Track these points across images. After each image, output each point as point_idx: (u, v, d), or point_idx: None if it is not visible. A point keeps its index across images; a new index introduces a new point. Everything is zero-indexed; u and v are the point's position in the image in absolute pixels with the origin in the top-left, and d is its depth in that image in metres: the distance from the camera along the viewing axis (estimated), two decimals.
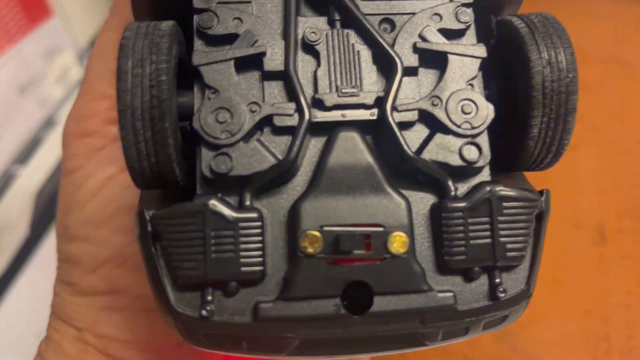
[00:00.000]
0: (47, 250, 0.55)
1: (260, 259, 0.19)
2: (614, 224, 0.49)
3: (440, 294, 0.19)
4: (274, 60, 0.21)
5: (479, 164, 0.20)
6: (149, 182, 0.20)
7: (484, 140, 0.20)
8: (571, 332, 0.43)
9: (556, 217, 0.49)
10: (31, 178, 0.61)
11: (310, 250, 0.19)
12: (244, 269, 0.19)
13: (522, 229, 0.20)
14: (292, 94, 0.20)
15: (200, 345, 0.20)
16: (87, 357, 0.28)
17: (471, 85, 0.21)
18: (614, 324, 0.43)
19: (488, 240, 0.20)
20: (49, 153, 0.63)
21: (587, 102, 0.56)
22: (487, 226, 0.20)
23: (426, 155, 0.20)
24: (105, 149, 0.29)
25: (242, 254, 0.19)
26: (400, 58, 0.21)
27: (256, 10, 0.21)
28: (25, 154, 0.62)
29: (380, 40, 0.21)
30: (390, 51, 0.21)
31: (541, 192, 0.21)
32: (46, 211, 0.58)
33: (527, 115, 0.20)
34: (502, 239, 0.20)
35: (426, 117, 0.21)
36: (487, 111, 0.20)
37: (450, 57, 0.21)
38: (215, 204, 0.19)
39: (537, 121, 0.20)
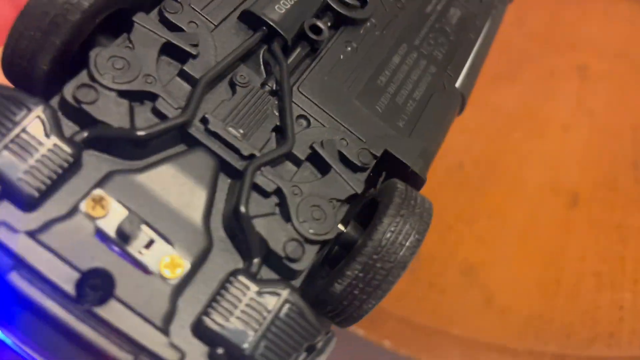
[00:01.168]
0: None
1: (42, 188, 0.18)
2: (588, 193, 0.55)
3: (170, 346, 0.18)
4: (196, 67, 0.22)
5: (294, 266, 0.20)
6: (15, 66, 0.21)
7: (311, 250, 0.21)
8: (527, 276, 0.50)
9: (537, 182, 0.56)
10: None
11: (91, 210, 0.18)
12: (20, 182, 0.18)
13: (291, 343, 0.19)
14: (190, 97, 0.21)
15: None
16: None
17: (333, 205, 0.22)
18: (566, 273, 0.50)
19: (252, 332, 0.19)
20: None
21: (588, 89, 0.63)
22: (261, 319, 0.19)
23: (257, 225, 0.20)
24: None
25: (33, 171, 0.18)
26: (293, 141, 0.22)
27: (215, 32, 0.23)
28: None
29: (289, 118, 0.23)
30: (289, 132, 0.22)
31: (327, 333, 0.20)
32: None
33: (345, 266, 0.20)
34: (265, 339, 0.19)
35: (279, 197, 0.21)
36: (331, 230, 0.21)
37: (332, 172, 0.22)
38: (46, 114, 0.18)
39: (347, 280, 0.20)
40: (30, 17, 0.20)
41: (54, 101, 0.20)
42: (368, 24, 0.28)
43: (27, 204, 0.18)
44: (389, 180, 0.23)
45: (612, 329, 0.47)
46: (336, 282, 0.20)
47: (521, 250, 0.52)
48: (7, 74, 0.21)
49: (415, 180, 0.25)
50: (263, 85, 0.23)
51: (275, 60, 0.24)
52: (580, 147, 0.59)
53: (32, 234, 0.17)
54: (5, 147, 0.18)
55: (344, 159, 0.23)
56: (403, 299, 0.47)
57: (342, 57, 0.26)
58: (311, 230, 0.21)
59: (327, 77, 0.25)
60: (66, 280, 0.17)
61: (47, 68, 0.21)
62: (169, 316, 0.18)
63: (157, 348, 0.18)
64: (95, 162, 0.19)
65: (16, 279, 0.17)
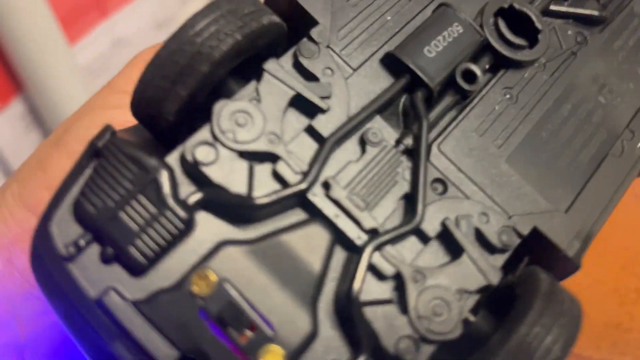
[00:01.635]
0: None
1: (152, 255, 0.17)
2: None
3: None
4: (325, 124, 0.20)
5: None
6: (143, 111, 0.20)
7: (426, 351, 0.18)
8: (604, 281, 0.48)
9: None
10: None
11: (195, 287, 0.17)
12: (132, 250, 0.17)
13: None
14: (314, 160, 0.19)
15: (34, 270, 0.18)
16: None
17: (460, 296, 0.19)
18: None
19: None
20: None
21: None
22: None
23: (369, 313, 0.18)
24: None
25: (145, 237, 0.17)
26: (422, 217, 0.19)
27: (352, 78, 0.21)
28: None
29: (421, 190, 0.20)
30: (420, 206, 0.19)
31: None
32: None
33: None
34: None
35: (397, 282, 0.19)
36: (454, 329, 0.18)
37: (464, 256, 0.19)
38: (164, 176, 0.18)
39: None
40: (160, 65, 0.19)
41: (174, 157, 0.18)
42: (536, 63, 0.23)
43: (137, 270, 0.17)
44: (531, 267, 0.20)
45: None
46: None
47: (596, 254, 0.50)
48: (135, 116, 0.21)
49: (566, 267, 0.21)
50: (398, 142, 0.20)
51: (415, 113, 0.21)
52: None
53: (138, 305, 0.17)
54: (122, 210, 0.17)
55: (480, 238, 0.20)
56: None
57: (497, 107, 0.22)
58: (430, 328, 0.18)
59: (476, 133, 0.22)
60: (165, 357, 0.17)
61: (173, 119, 0.20)
62: None
63: None
64: (206, 228, 0.18)
65: (119, 348, 0.17)
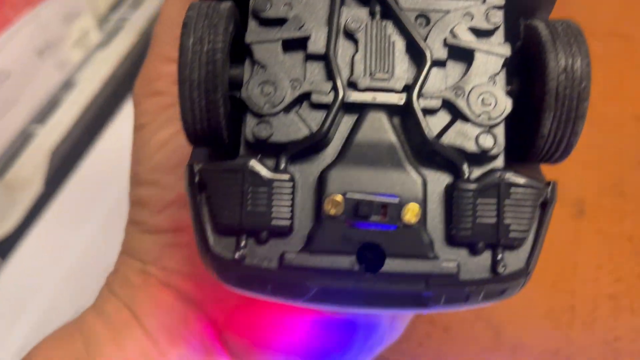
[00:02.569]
0: (60, 206, 0.59)
1: (288, 215, 0.22)
2: (594, 199, 0.50)
3: (445, 263, 0.22)
4: (316, 44, 0.23)
5: (492, 152, 0.22)
6: (200, 141, 0.24)
7: (499, 131, 0.22)
8: (536, 302, 0.45)
9: None
10: (48, 137, 0.64)
11: (332, 212, 0.22)
12: (274, 222, 0.22)
13: (526, 214, 0.22)
14: (330, 75, 0.23)
15: (231, 284, 0.23)
16: (149, 287, 0.32)
17: (493, 80, 0.23)
18: (579, 297, 0.45)
19: (493, 220, 0.22)
20: (67, 113, 0.66)
21: None
22: (494, 208, 0.22)
23: (445, 139, 0.22)
24: (173, 106, 0.33)
25: (274, 208, 0.22)
26: (430, 51, 0.23)
27: None
28: (43, 114, 0.65)
29: (414, 33, 0.23)
30: (422, 44, 0.23)
31: (548, 183, 0.23)
32: (61, 169, 0.62)
33: (539, 116, 0.22)
34: (506, 221, 0.22)
35: (449, 106, 0.23)
36: (505, 105, 0.22)
37: (476, 54, 0.23)
38: (254, 164, 0.22)
39: (547, 122, 0.22)
40: (189, 88, 0.23)
41: (244, 150, 0.23)
42: None
43: (286, 232, 0.22)
44: (526, 24, 0.24)
45: None
46: (541, 126, 0.22)
47: None
48: (196, 143, 0.24)
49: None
50: (371, 14, 0.24)
51: None
52: (580, 145, 0.53)
53: (305, 250, 0.22)
54: (248, 205, 0.22)
55: (478, 32, 0.23)
56: (403, 343, 0.41)
57: None
58: (492, 116, 0.22)
59: None
60: (348, 264, 0.22)
61: (225, 124, 0.23)
62: (430, 246, 0.22)
63: (438, 270, 0.22)
64: (305, 171, 0.23)
65: (320, 282, 0.22)
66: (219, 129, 0.23)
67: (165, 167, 0.32)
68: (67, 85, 0.68)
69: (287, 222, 0.22)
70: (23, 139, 0.63)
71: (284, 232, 0.22)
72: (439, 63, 0.23)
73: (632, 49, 0.60)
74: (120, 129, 0.67)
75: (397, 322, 0.35)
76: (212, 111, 0.23)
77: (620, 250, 0.47)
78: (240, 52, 0.24)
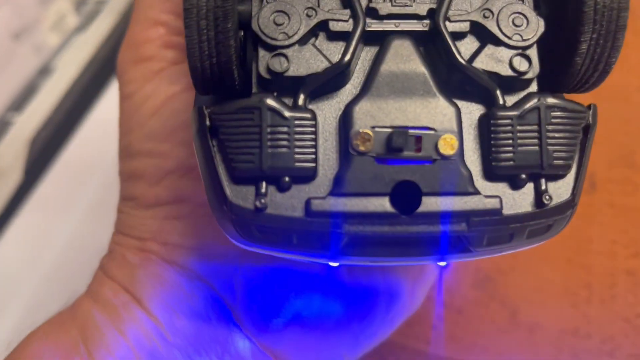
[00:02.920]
0: (41, 195, 0.56)
1: (312, 156, 0.20)
2: (604, 172, 0.48)
3: (486, 198, 0.20)
4: None
5: (528, 76, 0.21)
6: (208, 84, 0.21)
7: (533, 53, 0.21)
8: (551, 280, 0.42)
9: None
10: (26, 125, 0.61)
11: (362, 148, 0.20)
12: (297, 164, 0.20)
13: (569, 139, 0.20)
14: (347, 1, 0.21)
15: (252, 240, 0.21)
16: (149, 264, 0.28)
17: (522, 0, 0.21)
18: (596, 273, 0.43)
19: (535, 148, 0.20)
20: (45, 100, 0.63)
21: None
22: (535, 134, 0.20)
23: (477, 64, 0.21)
24: (164, 70, 0.30)
25: (296, 150, 0.20)
26: None
27: None
28: (20, 101, 0.62)
29: None
30: None
31: (589, 107, 0.21)
32: (40, 157, 0.59)
33: (577, 30, 0.21)
34: (549, 147, 0.20)
35: (477, 29, 0.21)
36: (537, 24, 0.21)
37: None
38: (271, 100, 0.20)
39: (586, 37, 0.21)
40: (195, 30, 0.20)
41: (256, 89, 0.21)
42: None
43: (311, 176, 0.20)
44: None
45: None
46: (579, 43, 0.21)
47: (539, 248, 0.44)
48: (205, 91, 0.22)
49: None
50: None
51: None
52: None
53: (334, 194, 0.20)
54: (267, 147, 0.20)
55: None
56: (415, 327, 0.39)
57: None
58: (524, 37, 0.21)
59: None
60: (382, 206, 0.20)
61: (236, 63, 0.21)
62: (470, 180, 0.20)
63: (479, 206, 0.20)
64: (328, 107, 0.21)
65: (352, 228, 0.20)
66: (229, 67, 0.21)
67: (160, 135, 0.29)
68: (45, 71, 0.65)
69: (311, 165, 0.20)
70: (0, 128, 0.60)
71: (309, 176, 0.20)
72: None
73: (638, 20, 0.58)
74: (102, 115, 0.64)
75: (418, 289, 0.32)
76: (222, 44, 0.20)
77: (635, 223, 0.45)
78: None
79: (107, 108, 0.63)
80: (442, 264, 0.28)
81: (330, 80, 0.21)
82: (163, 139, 0.29)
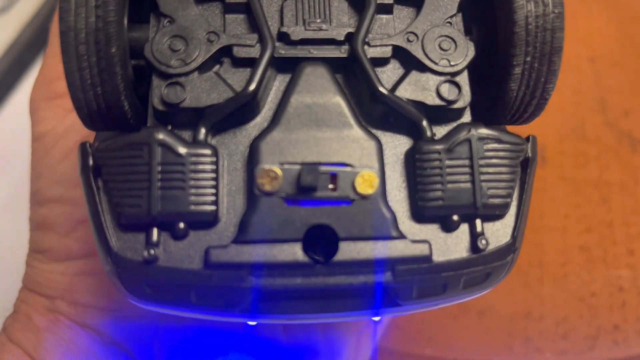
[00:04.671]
0: None
1: (212, 198, 0.18)
2: (555, 145, 0.45)
3: (413, 244, 0.18)
4: None
5: (458, 105, 0.19)
6: (96, 118, 0.19)
7: (463, 80, 0.19)
8: None
9: None
10: None
11: (268, 187, 0.18)
12: (192, 207, 0.17)
13: (506, 174, 0.19)
14: (254, 24, 0.19)
15: (143, 297, 0.18)
16: (58, 328, 0.25)
17: (449, 23, 0.20)
18: (548, 250, 0.40)
19: (468, 185, 0.18)
20: None
21: None
22: (467, 169, 0.18)
23: (400, 93, 0.19)
24: None
25: (192, 191, 0.17)
26: None
27: None
28: None
29: None
30: None
31: (527, 139, 0.19)
32: None
33: (509, 53, 0.19)
34: (483, 184, 0.18)
35: (401, 54, 0.20)
36: (467, 48, 0.19)
37: None
38: (163, 135, 0.18)
39: (519, 60, 0.19)
40: (77, 69, 0.18)
41: (152, 119, 0.19)
42: None
43: (211, 221, 0.18)
44: None
45: (615, 319, 0.38)
46: (512, 69, 0.19)
47: None
48: (94, 127, 0.19)
49: None
50: None
51: None
52: None
53: (238, 241, 0.17)
54: (159, 188, 0.17)
55: None
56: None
57: None
58: (453, 62, 0.19)
59: None
60: (293, 255, 0.17)
61: (125, 93, 0.18)
62: (393, 223, 0.18)
63: (406, 252, 0.18)
64: (231, 143, 0.19)
65: (259, 282, 0.17)
66: (117, 98, 0.18)
67: (71, 180, 0.26)
68: None
69: (211, 208, 0.17)
70: None
71: (208, 222, 0.18)
72: (384, 8, 0.20)
73: None
74: (23, 103, 0.60)
75: (363, 343, 0.29)
76: (106, 71, 0.18)
77: (587, 197, 0.42)
78: (142, 12, 0.20)
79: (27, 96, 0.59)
80: (376, 318, 0.25)
81: (236, 112, 0.19)
82: (74, 185, 0.26)
